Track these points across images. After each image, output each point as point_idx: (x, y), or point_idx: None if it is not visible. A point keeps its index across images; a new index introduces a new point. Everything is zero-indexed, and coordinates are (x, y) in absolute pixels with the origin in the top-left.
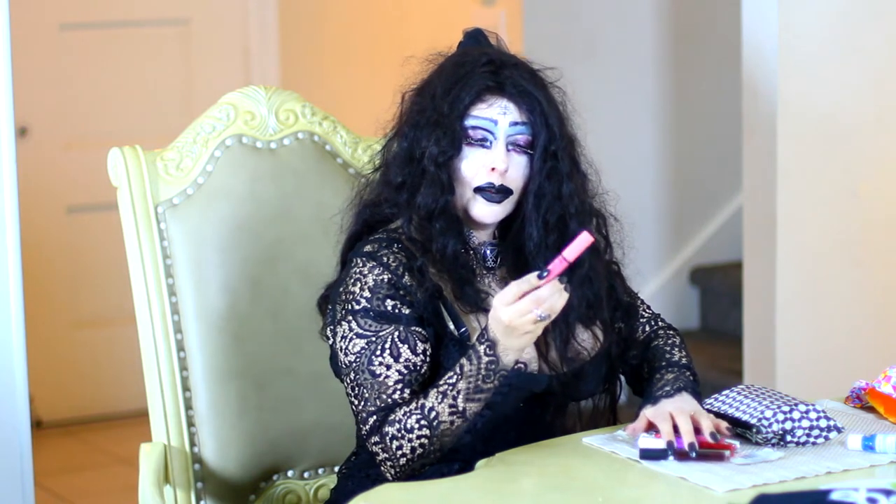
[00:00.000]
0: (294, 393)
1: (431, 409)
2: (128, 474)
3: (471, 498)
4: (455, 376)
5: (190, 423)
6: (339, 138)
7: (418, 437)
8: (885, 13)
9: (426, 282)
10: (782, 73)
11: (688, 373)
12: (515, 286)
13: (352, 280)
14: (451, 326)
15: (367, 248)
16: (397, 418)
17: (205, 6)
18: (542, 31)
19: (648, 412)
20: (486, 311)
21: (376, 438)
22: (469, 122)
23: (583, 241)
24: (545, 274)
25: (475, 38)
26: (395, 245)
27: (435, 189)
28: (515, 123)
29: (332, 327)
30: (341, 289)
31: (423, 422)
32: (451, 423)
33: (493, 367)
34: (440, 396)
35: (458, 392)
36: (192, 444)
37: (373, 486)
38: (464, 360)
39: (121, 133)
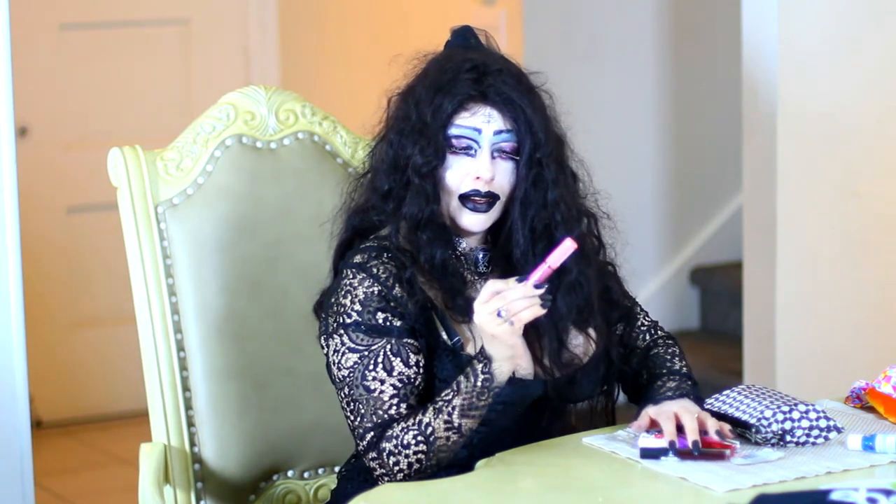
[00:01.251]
0: (294, 393)
1: (428, 424)
2: (128, 474)
3: (471, 498)
4: (451, 393)
5: (190, 423)
6: (339, 138)
7: (415, 453)
8: (885, 13)
9: (416, 293)
10: (782, 73)
11: (689, 382)
12: (490, 284)
13: (342, 292)
14: (444, 336)
15: (357, 258)
16: (394, 434)
17: (205, 6)
18: (543, 32)
19: (651, 410)
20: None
21: (373, 454)
22: (453, 130)
23: (566, 248)
24: (524, 280)
25: (463, 37)
26: (385, 254)
27: (420, 199)
28: (500, 132)
29: (325, 338)
30: (333, 300)
31: (419, 437)
32: (448, 438)
33: (489, 384)
34: (436, 413)
35: (454, 408)
36: (192, 444)
37: (371, 489)
38: (461, 378)
39: (121, 133)
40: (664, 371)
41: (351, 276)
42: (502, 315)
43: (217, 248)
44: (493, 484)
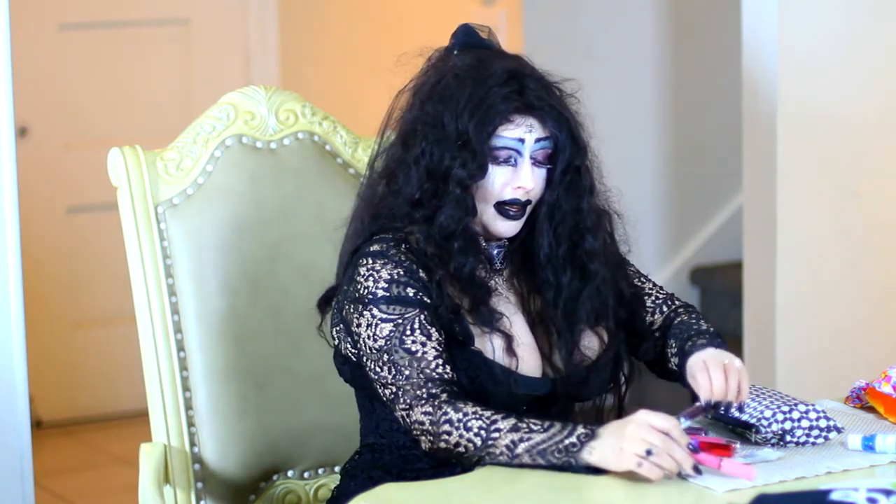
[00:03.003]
0: (294, 393)
1: (498, 429)
2: (128, 474)
3: (471, 498)
4: (539, 426)
5: (190, 423)
6: (339, 138)
7: (468, 440)
8: (886, 13)
9: (444, 297)
10: (782, 73)
11: (718, 338)
12: (673, 422)
13: (363, 277)
14: (457, 328)
15: (374, 247)
16: (464, 410)
17: (205, 6)
18: (542, 31)
19: (692, 362)
20: (499, 331)
21: (428, 409)
22: (496, 142)
23: (745, 474)
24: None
25: (467, 35)
26: (403, 245)
27: (459, 210)
28: (539, 140)
29: (339, 328)
30: (351, 287)
31: (482, 432)
32: (500, 453)
33: (574, 450)
34: (513, 427)
35: (529, 440)
36: (192, 444)
37: (373, 488)
38: (558, 423)
39: (121, 133)
40: (692, 333)
41: (371, 262)
42: (652, 454)
43: (217, 249)
44: (493, 484)
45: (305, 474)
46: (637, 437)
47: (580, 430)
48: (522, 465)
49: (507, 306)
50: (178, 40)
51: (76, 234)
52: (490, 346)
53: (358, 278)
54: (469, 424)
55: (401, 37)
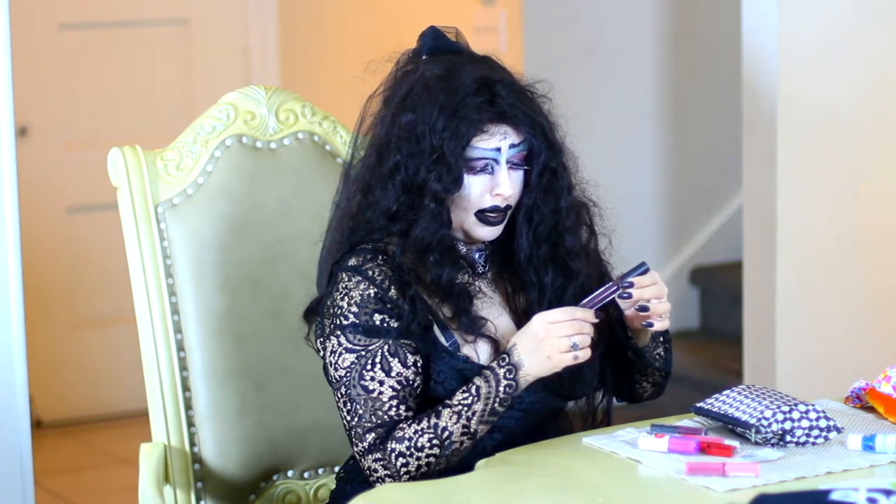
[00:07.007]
0: (294, 393)
1: (444, 428)
2: (128, 474)
3: (471, 498)
4: (471, 397)
5: (190, 423)
6: (339, 138)
7: (427, 456)
8: (886, 13)
9: (418, 312)
10: (782, 73)
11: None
12: (569, 310)
13: (339, 295)
14: (441, 339)
15: (352, 261)
16: (406, 436)
17: (205, 6)
18: (542, 31)
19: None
20: (485, 336)
21: (377, 455)
22: (471, 153)
23: (751, 469)
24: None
25: (435, 39)
26: (380, 256)
27: (434, 223)
28: (514, 145)
29: (321, 340)
30: (329, 302)
31: (434, 441)
32: (461, 443)
33: (511, 391)
34: (455, 416)
35: (474, 413)
36: (192, 443)
37: (371, 489)
38: (480, 382)
39: (121, 133)
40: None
41: (346, 279)
42: (577, 347)
43: (217, 248)
44: (493, 484)
45: (305, 474)
46: (555, 345)
47: (500, 370)
48: (492, 439)
49: (492, 308)
50: (178, 40)
51: (76, 234)
52: (475, 353)
53: (335, 294)
54: (419, 444)
55: (401, 36)
